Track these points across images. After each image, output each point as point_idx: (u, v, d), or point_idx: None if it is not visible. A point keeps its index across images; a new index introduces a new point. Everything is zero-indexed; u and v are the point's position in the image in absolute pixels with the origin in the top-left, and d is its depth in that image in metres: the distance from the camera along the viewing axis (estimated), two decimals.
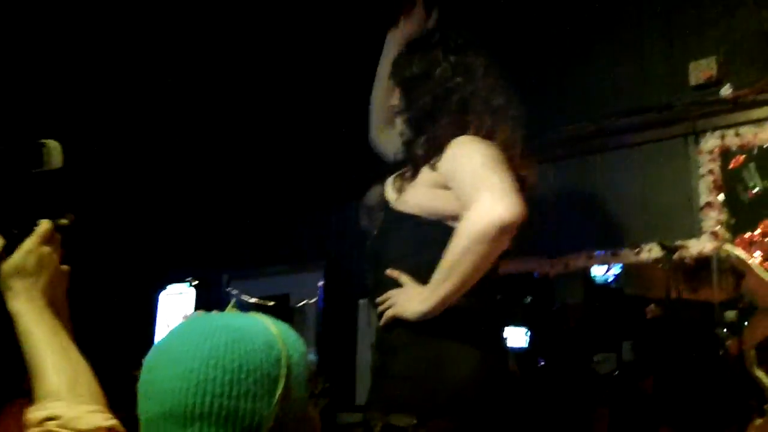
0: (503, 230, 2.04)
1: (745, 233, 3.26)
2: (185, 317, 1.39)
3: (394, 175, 2.54)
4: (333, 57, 4.46)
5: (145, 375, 1.23)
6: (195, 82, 4.89)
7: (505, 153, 2.30)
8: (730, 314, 3.32)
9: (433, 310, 2.16)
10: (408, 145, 2.50)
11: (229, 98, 4.89)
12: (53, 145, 1.58)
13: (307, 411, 1.27)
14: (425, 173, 2.39)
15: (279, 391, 1.19)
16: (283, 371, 1.20)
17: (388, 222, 2.47)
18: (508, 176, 2.16)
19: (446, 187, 2.30)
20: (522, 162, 2.39)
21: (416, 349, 2.22)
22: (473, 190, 2.14)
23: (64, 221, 1.57)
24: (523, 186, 2.31)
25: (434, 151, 2.37)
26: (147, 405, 1.21)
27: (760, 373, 3.36)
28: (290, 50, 4.59)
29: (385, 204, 2.50)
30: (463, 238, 2.09)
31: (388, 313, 2.27)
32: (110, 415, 1.38)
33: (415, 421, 2.08)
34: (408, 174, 2.48)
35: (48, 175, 1.57)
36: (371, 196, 2.62)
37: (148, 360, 1.25)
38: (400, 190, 2.45)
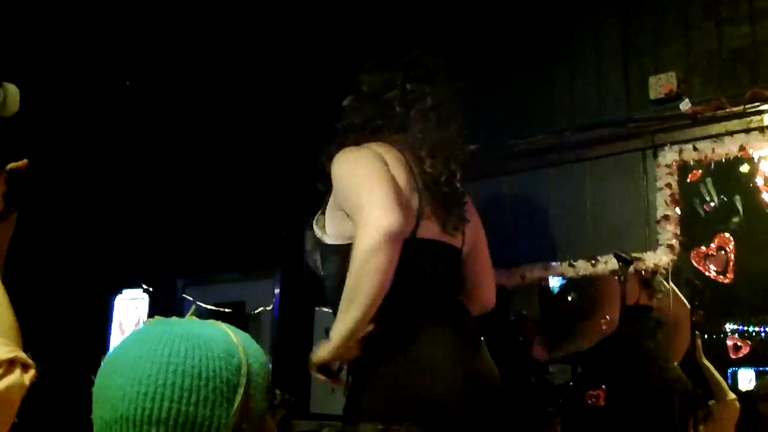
0: (388, 240, 2.02)
1: (700, 247, 3.29)
2: (142, 323, 1.36)
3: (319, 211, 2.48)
4: (286, 70, 4.45)
5: (100, 380, 1.21)
6: (149, 91, 4.83)
7: (399, 153, 2.34)
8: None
9: (340, 343, 2.14)
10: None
11: (185, 107, 4.84)
12: (12, 89, 1.55)
13: (266, 421, 1.25)
14: (331, 197, 2.38)
15: (238, 400, 1.17)
16: (243, 380, 1.19)
17: (323, 258, 2.42)
18: (385, 187, 2.15)
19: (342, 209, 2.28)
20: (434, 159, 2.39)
21: (381, 357, 2.20)
22: (356, 209, 2.15)
23: (16, 165, 1.54)
24: (439, 181, 2.36)
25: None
26: (101, 410, 1.18)
27: (706, 362, 3.41)
28: (244, 65, 4.57)
29: (317, 241, 2.44)
30: (355, 260, 2.06)
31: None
32: (12, 348, 1.36)
33: (381, 427, 2.08)
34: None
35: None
36: (307, 240, 2.57)
37: (104, 365, 1.22)
38: (322, 223, 2.41)
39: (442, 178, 2.35)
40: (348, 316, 2.07)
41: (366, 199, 2.11)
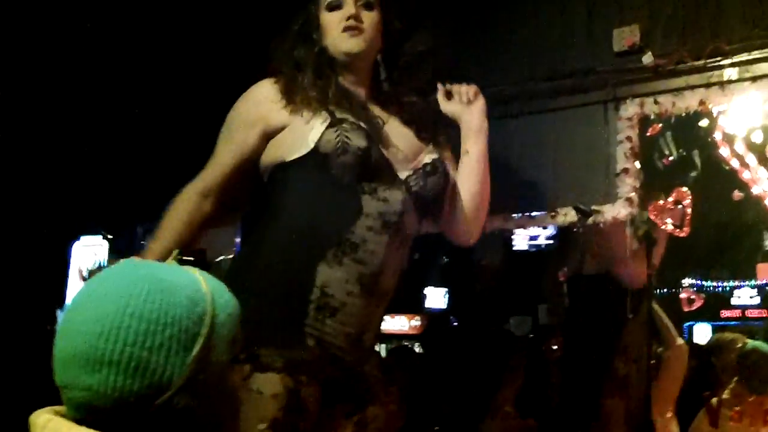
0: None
1: (658, 200, 3.32)
2: (88, 271, 1.33)
3: None
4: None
5: (65, 315, 1.20)
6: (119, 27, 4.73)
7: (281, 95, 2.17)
8: None
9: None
10: None
11: (148, 50, 4.75)
12: None
13: (227, 377, 1.23)
14: None
15: (196, 350, 1.16)
16: (205, 330, 1.17)
17: None
18: (223, 147, 2.23)
19: None
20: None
21: None
22: None
23: None
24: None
25: None
26: (60, 344, 1.17)
27: (657, 308, 3.46)
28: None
29: None
30: None
31: None
32: None
33: None
34: None
35: None
36: None
37: (73, 300, 1.21)
38: None
39: None
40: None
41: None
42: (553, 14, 3.62)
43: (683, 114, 3.23)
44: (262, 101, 2.16)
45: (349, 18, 2.18)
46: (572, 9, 3.59)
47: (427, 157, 2.18)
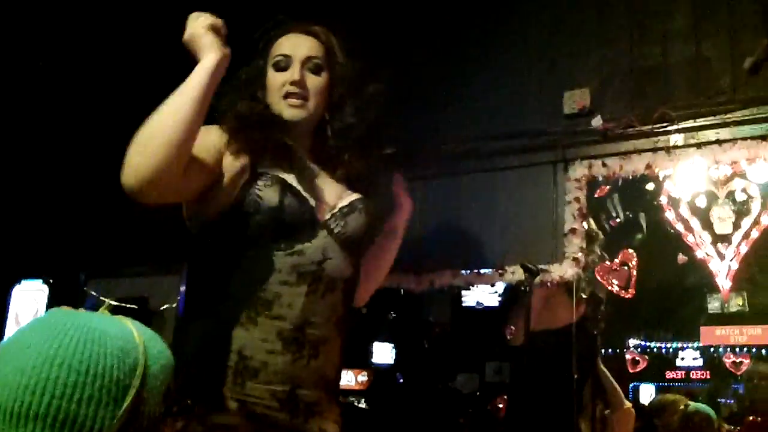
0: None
1: (605, 261, 3.35)
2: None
3: None
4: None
5: None
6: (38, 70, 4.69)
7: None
8: None
9: None
10: None
11: (89, 96, 4.71)
12: None
13: (160, 427, 1.20)
14: None
15: (127, 402, 1.12)
16: (137, 381, 1.14)
17: None
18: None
19: None
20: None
21: None
22: None
23: None
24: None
25: None
26: None
27: (604, 370, 3.47)
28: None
29: None
30: None
31: None
32: None
33: None
34: None
35: None
36: None
37: None
38: None
39: None
40: None
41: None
42: (505, 75, 3.68)
43: (630, 177, 3.28)
44: (217, 141, 2.02)
45: (293, 83, 2.11)
46: (524, 70, 3.65)
47: (345, 200, 2.12)
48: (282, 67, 2.14)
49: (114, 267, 4.67)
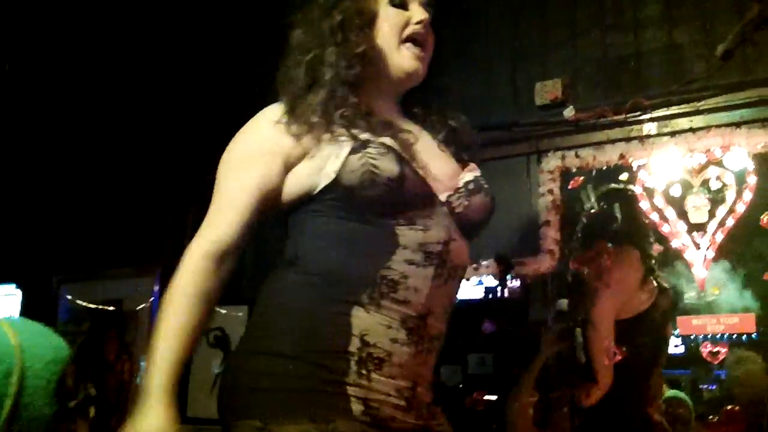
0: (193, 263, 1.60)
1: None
2: None
3: None
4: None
5: None
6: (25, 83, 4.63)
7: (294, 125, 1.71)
8: None
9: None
10: None
11: (62, 100, 4.65)
12: None
13: (57, 427, 1.13)
14: None
15: (4, 413, 1.06)
16: (13, 388, 1.07)
17: None
18: (236, 186, 1.69)
19: None
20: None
21: None
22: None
23: None
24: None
25: None
26: None
27: None
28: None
29: None
30: None
31: None
32: None
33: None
34: None
35: None
36: None
37: None
38: None
39: None
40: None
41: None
42: (476, 67, 3.64)
43: (604, 167, 3.26)
44: (276, 127, 1.71)
45: (419, 22, 1.75)
46: (496, 62, 3.62)
47: (469, 175, 1.80)
48: (400, 3, 1.75)
49: (88, 270, 4.61)
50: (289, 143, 1.67)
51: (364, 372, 1.54)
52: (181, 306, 1.53)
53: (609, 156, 3.23)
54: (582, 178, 3.31)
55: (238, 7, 4.19)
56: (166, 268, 4.32)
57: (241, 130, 1.74)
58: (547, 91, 3.40)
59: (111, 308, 4.44)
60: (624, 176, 3.30)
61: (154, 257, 4.34)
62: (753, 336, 3.53)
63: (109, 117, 4.56)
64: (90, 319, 4.47)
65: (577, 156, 3.27)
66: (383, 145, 1.64)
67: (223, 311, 3.95)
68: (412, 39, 1.73)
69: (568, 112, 3.28)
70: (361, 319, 1.56)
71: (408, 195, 1.63)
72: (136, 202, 4.49)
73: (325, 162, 1.63)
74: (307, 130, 1.67)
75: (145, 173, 4.43)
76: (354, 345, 1.54)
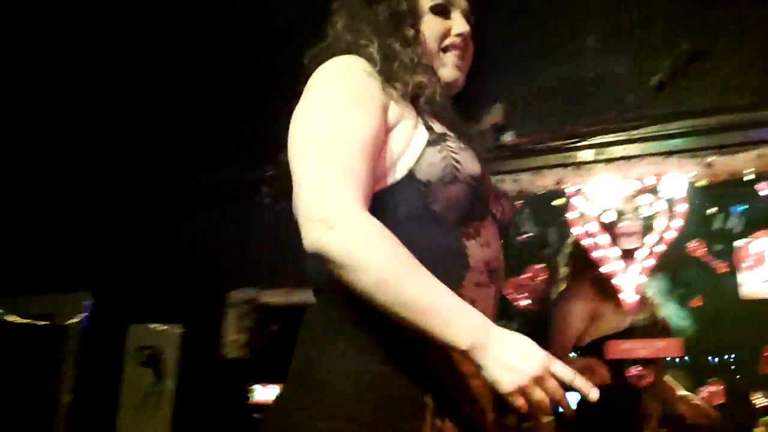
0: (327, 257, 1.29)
1: (515, 276, 3.35)
2: None
3: None
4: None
5: None
6: None
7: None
8: None
9: None
10: None
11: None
12: None
13: None
14: None
15: None
16: None
17: None
18: (354, 119, 1.40)
19: None
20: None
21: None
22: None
23: None
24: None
25: None
26: None
27: None
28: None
29: None
30: None
31: None
32: None
33: None
34: None
35: None
36: None
37: None
38: None
39: None
40: None
41: (301, 194, 1.35)
42: None
43: (540, 192, 3.30)
44: (373, 78, 1.47)
45: (459, 35, 1.66)
46: None
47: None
48: (441, 11, 1.66)
49: (19, 285, 4.52)
50: (385, 102, 1.47)
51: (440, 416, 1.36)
52: (405, 252, 1.28)
53: (546, 181, 3.28)
54: (520, 202, 3.35)
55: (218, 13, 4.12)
56: (97, 285, 4.28)
57: (325, 78, 1.48)
58: (488, 115, 3.43)
59: (38, 322, 4.38)
60: (560, 201, 3.35)
61: (87, 273, 4.30)
62: (686, 359, 3.60)
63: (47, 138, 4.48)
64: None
65: (515, 180, 3.31)
66: (459, 140, 1.49)
67: (159, 329, 3.90)
68: (452, 48, 1.65)
69: (508, 137, 3.32)
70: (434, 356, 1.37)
71: (485, 198, 1.50)
72: (69, 218, 4.43)
73: (400, 148, 1.44)
74: (396, 98, 1.48)
75: (77, 190, 4.36)
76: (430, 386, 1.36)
